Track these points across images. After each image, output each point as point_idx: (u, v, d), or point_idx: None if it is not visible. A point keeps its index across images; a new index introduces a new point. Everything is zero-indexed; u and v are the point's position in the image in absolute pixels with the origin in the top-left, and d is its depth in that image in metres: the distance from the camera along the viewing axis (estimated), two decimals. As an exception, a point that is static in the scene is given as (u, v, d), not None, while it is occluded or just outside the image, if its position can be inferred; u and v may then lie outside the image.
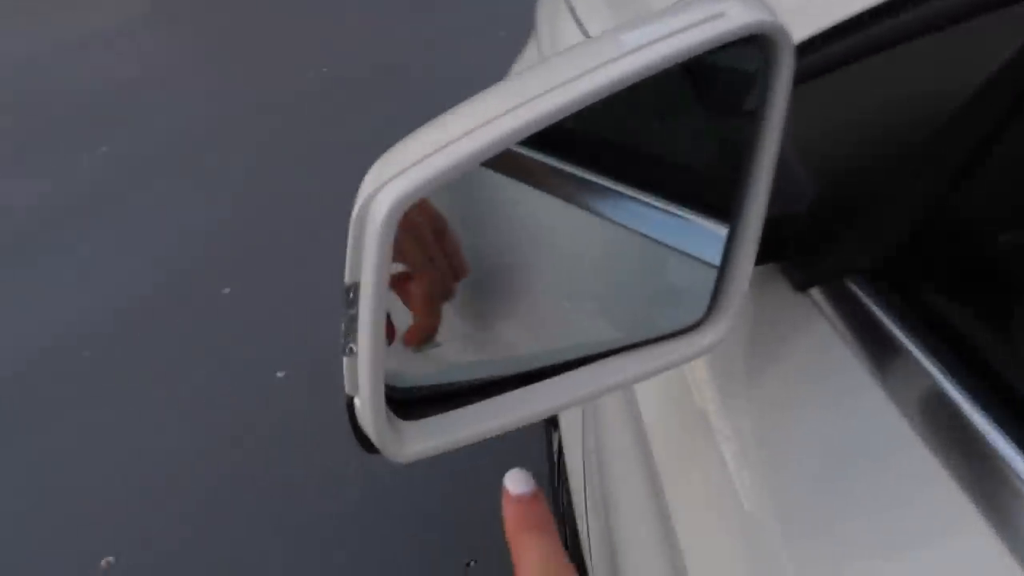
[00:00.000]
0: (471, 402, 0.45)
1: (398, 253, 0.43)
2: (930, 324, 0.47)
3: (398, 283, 0.44)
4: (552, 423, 1.53)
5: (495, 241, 0.53)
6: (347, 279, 0.38)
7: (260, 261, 2.81)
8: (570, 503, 1.25)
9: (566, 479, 1.29)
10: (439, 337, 0.47)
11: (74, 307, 2.71)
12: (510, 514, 0.42)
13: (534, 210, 0.55)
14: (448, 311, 0.47)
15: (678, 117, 0.52)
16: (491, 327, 0.52)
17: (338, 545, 1.86)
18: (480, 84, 0.44)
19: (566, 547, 1.37)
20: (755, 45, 0.42)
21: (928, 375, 0.44)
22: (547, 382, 0.48)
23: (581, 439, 1.06)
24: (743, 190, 0.47)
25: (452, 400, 0.45)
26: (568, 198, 0.54)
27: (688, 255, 0.52)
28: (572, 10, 1.29)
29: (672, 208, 0.51)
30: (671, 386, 0.66)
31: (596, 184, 0.53)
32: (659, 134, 0.53)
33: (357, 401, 0.40)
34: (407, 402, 0.43)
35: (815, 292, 0.54)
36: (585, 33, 1.20)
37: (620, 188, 0.52)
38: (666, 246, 0.52)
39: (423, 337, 0.46)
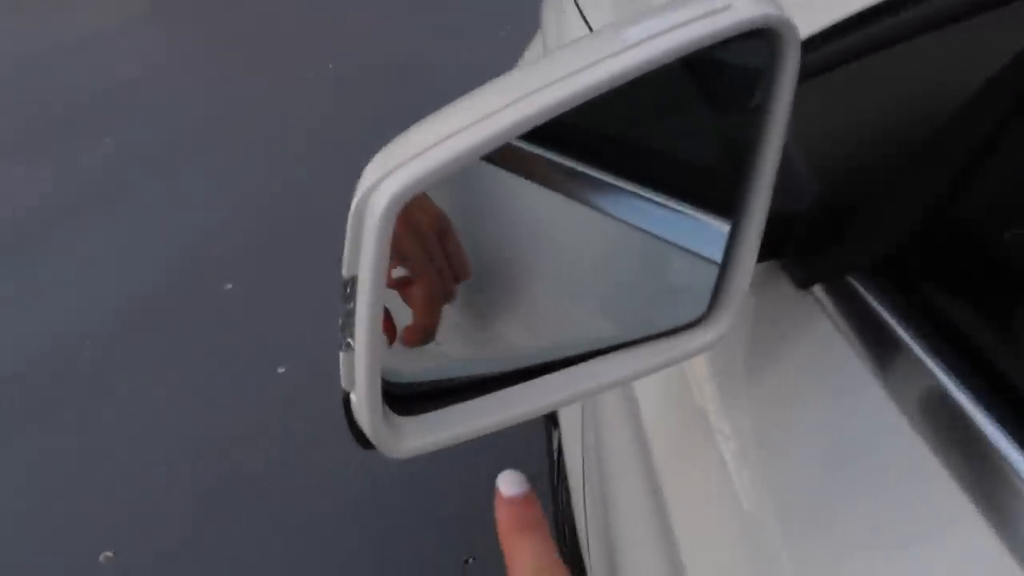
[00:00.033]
0: (469, 398, 0.44)
1: (400, 255, 0.43)
2: (932, 322, 0.47)
3: (400, 286, 0.43)
4: (552, 421, 1.53)
5: (495, 236, 0.53)
6: (345, 273, 0.37)
7: (262, 257, 2.81)
8: (569, 501, 1.25)
9: (565, 477, 1.29)
10: (438, 335, 0.47)
11: (75, 304, 2.71)
12: (503, 515, 0.42)
13: (535, 206, 0.54)
14: (447, 308, 0.47)
15: (681, 112, 0.52)
16: (490, 323, 0.52)
17: (337, 543, 1.86)
18: (482, 82, 0.44)
19: (565, 544, 1.38)
20: (760, 39, 0.42)
21: (929, 374, 0.44)
22: (546, 378, 0.47)
23: (580, 436, 1.06)
24: (746, 186, 0.47)
25: (449, 396, 0.44)
26: (569, 194, 0.54)
27: (689, 251, 0.51)
28: (578, 6, 1.28)
29: (674, 204, 0.51)
30: (671, 383, 0.66)
31: (598, 180, 0.53)
32: (662, 130, 0.53)
33: (353, 396, 0.40)
34: (404, 398, 0.43)
35: (817, 290, 0.54)
36: (591, 29, 1.20)
37: (622, 184, 0.52)
38: (667, 242, 0.52)
39: (422, 338, 0.46)
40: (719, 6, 0.40)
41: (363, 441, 0.41)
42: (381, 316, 0.38)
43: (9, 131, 3.83)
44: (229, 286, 2.70)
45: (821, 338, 0.52)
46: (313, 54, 4.20)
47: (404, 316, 0.45)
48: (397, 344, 0.44)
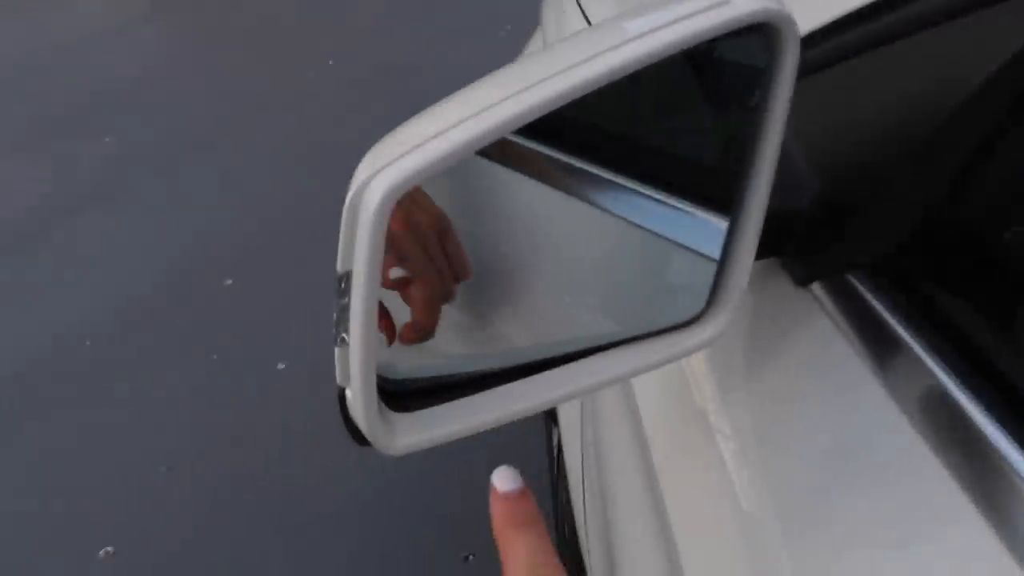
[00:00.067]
0: (466, 395, 0.44)
1: (400, 255, 0.43)
2: (932, 321, 0.47)
3: (399, 285, 0.43)
4: (552, 418, 1.53)
5: (494, 233, 0.52)
6: (339, 268, 0.37)
7: (262, 254, 2.82)
8: (569, 499, 1.25)
9: (565, 475, 1.28)
10: (436, 331, 0.46)
11: (75, 303, 2.71)
12: (498, 511, 0.42)
13: (534, 202, 0.54)
14: (446, 306, 0.47)
15: (680, 109, 0.52)
16: (487, 319, 0.52)
17: (338, 541, 1.86)
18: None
19: (565, 542, 1.37)
20: (760, 34, 0.42)
21: (929, 372, 0.44)
22: (543, 375, 0.47)
23: (580, 433, 1.06)
24: (744, 183, 0.47)
25: (446, 392, 0.44)
26: (568, 190, 0.53)
27: (688, 248, 0.51)
28: (578, 2, 1.28)
29: (673, 201, 0.51)
30: (669, 380, 0.65)
31: (596, 176, 0.52)
32: (661, 126, 0.53)
33: (348, 392, 0.40)
34: (399, 394, 0.43)
35: (816, 287, 0.54)
36: (590, 24, 1.19)
37: (620, 180, 0.52)
38: (666, 239, 0.52)
39: (421, 337, 0.46)
40: (719, 0, 0.40)
41: (359, 437, 0.41)
42: (376, 311, 0.37)
43: (10, 130, 3.83)
44: (229, 282, 2.70)
45: (820, 336, 0.51)
46: (313, 53, 4.20)
47: (403, 315, 0.45)
48: (395, 342, 0.44)
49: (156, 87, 4.03)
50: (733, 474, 0.53)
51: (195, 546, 1.89)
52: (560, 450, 1.37)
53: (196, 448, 2.14)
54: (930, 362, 0.44)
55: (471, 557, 1.75)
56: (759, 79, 0.44)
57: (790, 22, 0.41)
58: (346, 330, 0.38)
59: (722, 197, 0.48)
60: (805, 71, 0.45)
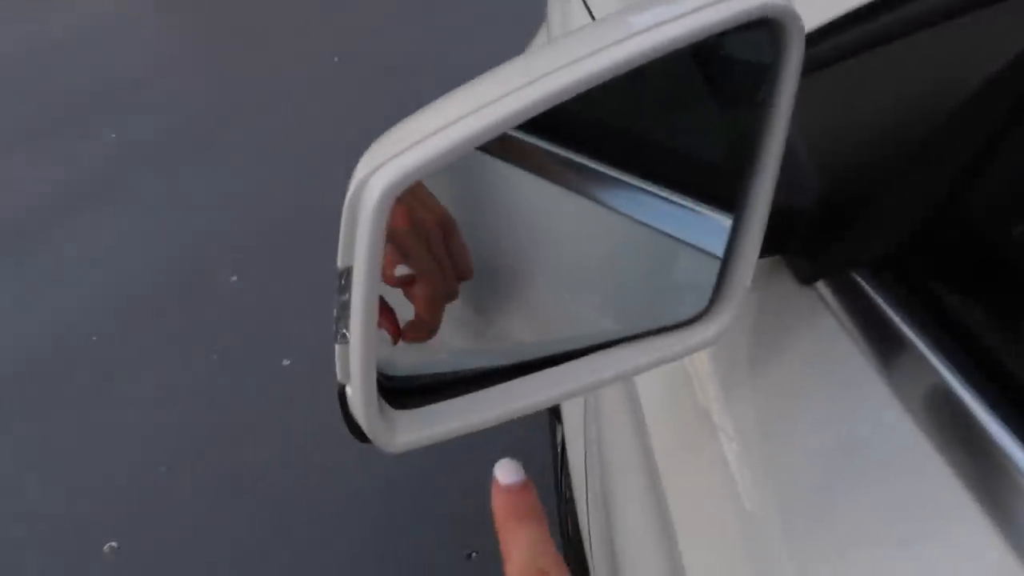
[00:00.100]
0: (466, 392, 0.44)
1: (404, 253, 0.43)
2: (936, 318, 0.46)
3: (403, 283, 0.43)
4: (556, 415, 1.53)
5: (496, 229, 0.52)
6: (340, 264, 0.37)
7: (267, 250, 2.81)
8: (572, 496, 1.25)
9: (569, 472, 1.28)
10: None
11: (80, 299, 2.71)
12: (499, 504, 0.42)
13: (536, 198, 0.54)
14: (448, 304, 0.47)
15: (684, 106, 0.51)
16: (491, 317, 0.52)
17: (338, 539, 1.86)
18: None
19: (568, 539, 1.37)
20: (764, 30, 0.41)
21: (933, 370, 0.43)
22: (545, 372, 0.47)
23: (583, 431, 1.06)
24: (749, 180, 0.47)
25: (447, 389, 0.44)
26: (571, 186, 0.53)
27: (691, 246, 0.51)
28: (583, -1, 1.28)
29: (676, 198, 0.51)
30: (672, 378, 0.65)
31: (600, 173, 0.52)
32: (665, 123, 0.53)
33: (349, 389, 0.40)
34: (400, 391, 0.42)
35: (820, 285, 0.53)
36: (595, 19, 1.19)
37: (624, 177, 0.52)
38: (669, 236, 0.51)
39: (424, 335, 0.46)
40: None
41: (359, 434, 0.41)
42: (376, 307, 0.37)
43: (13, 128, 3.83)
44: (234, 279, 2.70)
45: (824, 334, 0.51)
46: (318, 48, 4.19)
47: (407, 313, 0.45)
48: (399, 341, 0.44)
49: (159, 84, 4.03)
50: (736, 472, 0.53)
51: (195, 545, 1.89)
52: (564, 447, 1.37)
53: (200, 442, 2.14)
54: (934, 360, 0.44)
55: (473, 555, 1.75)
56: (764, 76, 0.44)
57: (794, 17, 0.41)
58: (346, 327, 0.37)
59: (726, 194, 0.48)
60: (810, 68, 0.45)
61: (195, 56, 4.35)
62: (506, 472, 0.42)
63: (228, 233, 2.94)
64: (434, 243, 0.45)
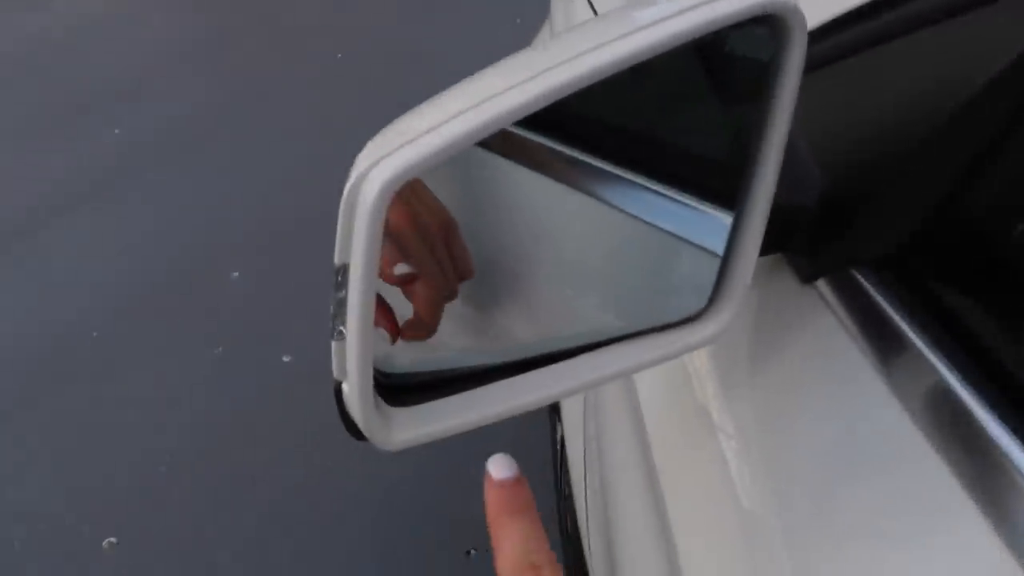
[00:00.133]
0: (464, 389, 0.44)
1: (404, 253, 0.43)
2: (936, 318, 0.46)
3: (402, 282, 0.43)
4: (556, 412, 1.53)
5: (496, 225, 0.52)
6: (336, 261, 0.37)
7: (269, 246, 2.81)
8: (571, 493, 1.25)
9: (568, 469, 1.28)
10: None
11: (82, 294, 2.70)
12: (492, 498, 0.41)
13: (537, 195, 0.54)
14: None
15: (686, 102, 0.51)
16: (490, 313, 0.52)
17: (338, 538, 1.86)
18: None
19: (566, 535, 1.37)
20: (767, 26, 0.41)
21: (932, 370, 0.43)
22: (544, 370, 0.47)
23: (583, 428, 1.06)
24: (750, 177, 0.46)
25: (444, 387, 0.44)
26: (571, 183, 0.53)
27: (692, 243, 0.51)
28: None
29: (677, 195, 0.51)
30: (672, 376, 0.65)
31: (601, 169, 0.52)
32: (667, 119, 0.52)
33: (345, 386, 0.39)
34: (397, 388, 0.42)
35: (821, 283, 0.53)
36: (597, 14, 1.19)
37: (625, 174, 0.52)
38: (670, 234, 0.51)
39: (423, 335, 0.46)
40: None
41: (355, 432, 0.41)
42: (373, 304, 0.37)
43: (18, 122, 3.82)
44: (236, 274, 2.70)
45: (824, 332, 0.51)
46: (322, 44, 4.19)
47: (405, 312, 0.44)
48: (397, 340, 0.44)
49: (163, 80, 4.02)
50: (734, 470, 0.53)
51: (195, 544, 1.89)
52: (563, 444, 1.37)
53: (200, 438, 2.14)
54: (933, 359, 0.44)
55: (472, 552, 1.75)
56: (766, 72, 0.44)
57: (797, 13, 0.41)
58: (343, 323, 0.37)
59: (727, 192, 0.48)
60: (811, 66, 0.44)
61: (198, 51, 4.35)
62: (499, 467, 0.42)
63: (229, 229, 2.94)
64: (435, 243, 0.45)
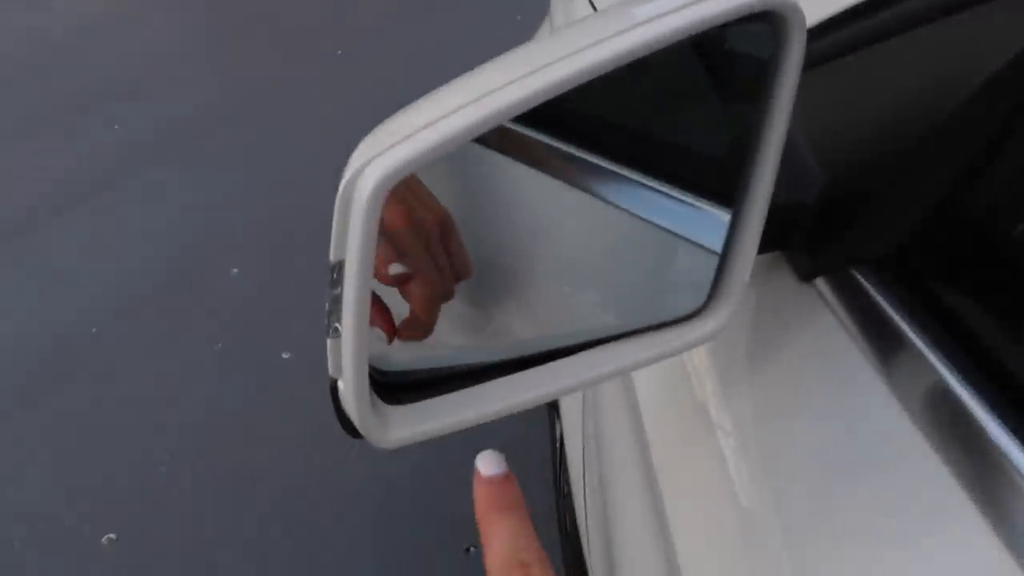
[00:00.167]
0: (461, 387, 0.44)
1: (400, 252, 0.42)
2: (935, 317, 0.46)
3: (399, 282, 0.43)
4: (555, 410, 1.53)
5: (494, 222, 0.52)
6: (332, 258, 0.37)
7: (269, 243, 2.81)
8: (571, 491, 1.24)
9: (567, 468, 1.28)
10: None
11: (82, 291, 2.71)
12: (481, 495, 0.41)
13: (534, 192, 0.54)
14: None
15: (684, 99, 0.51)
16: (488, 311, 0.52)
17: (337, 536, 1.86)
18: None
19: (565, 533, 1.37)
20: (766, 23, 0.41)
21: (931, 369, 0.43)
22: (542, 368, 0.46)
23: (581, 425, 1.05)
24: (749, 175, 0.46)
25: (441, 385, 0.43)
26: (570, 180, 0.53)
27: (690, 241, 0.51)
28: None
29: (676, 193, 0.50)
30: (670, 374, 0.65)
31: (599, 167, 0.52)
32: (665, 116, 0.52)
33: (341, 384, 0.39)
34: (394, 386, 0.42)
35: (820, 282, 0.53)
36: (597, 11, 1.19)
37: (624, 171, 0.51)
38: (668, 231, 0.51)
39: (419, 335, 0.45)
40: None
41: (351, 430, 0.41)
42: (368, 301, 0.37)
43: (19, 117, 3.82)
44: (235, 271, 2.70)
45: (823, 331, 0.51)
46: (322, 42, 4.19)
47: (402, 311, 0.44)
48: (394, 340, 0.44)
49: (163, 79, 4.02)
50: (733, 469, 0.53)
51: (195, 544, 1.89)
52: (562, 443, 1.37)
53: (199, 435, 2.14)
54: (933, 359, 0.43)
55: (472, 549, 1.75)
56: (765, 69, 0.43)
57: (796, 10, 0.40)
58: (338, 320, 0.37)
59: (726, 189, 0.48)
60: (810, 64, 0.44)
61: (199, 49, 4.35)
62: (488, 464, 0.42)
63: (229, 227, 2.94)
64: (432, 242, 0.44)
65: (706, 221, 0.49)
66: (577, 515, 1.15)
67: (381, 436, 0.41)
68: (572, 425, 1.20)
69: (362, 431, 0.40)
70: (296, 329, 2.35)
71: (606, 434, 0.85)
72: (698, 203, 0.50)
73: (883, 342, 0.47)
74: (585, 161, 0.52)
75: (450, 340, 0.48)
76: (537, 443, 1.75)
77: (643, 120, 0.52)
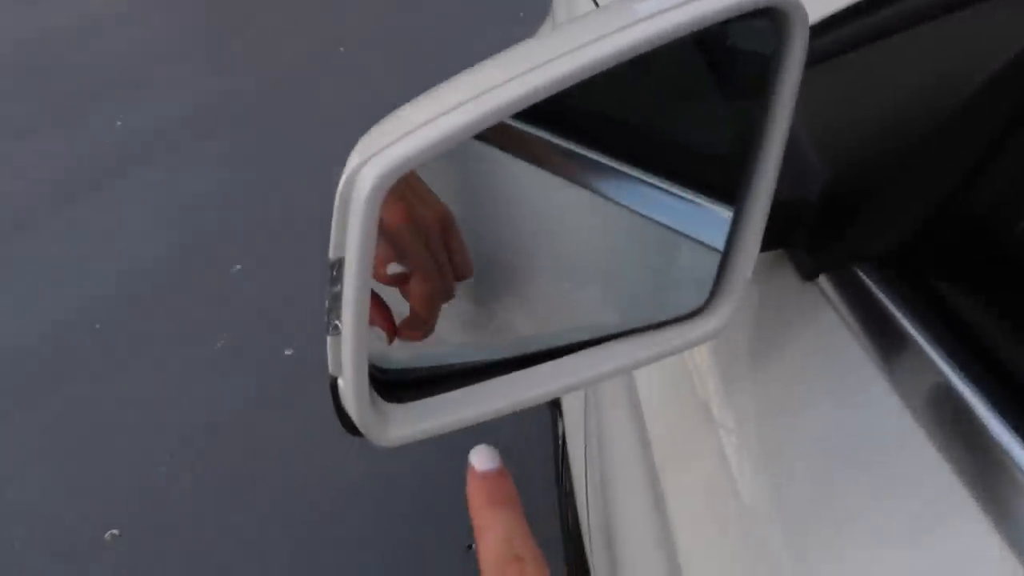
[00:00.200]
0: (462, 385, 0.43)
1: (400, 251, 0.42)
2: (938, 315, 0.46)
3: (399, 281, 0.43)
4: (557, 408, 1.53)
5: (495, 220, 0.52)
6: (331, 255, 0.36)
7: (271, 239, 2.81)
8: (573, 489, 1.24)
9: (569, 465, 1.28)
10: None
11: (84, 286, 2.71)
12: (474, 490, 0.41)
13: (535, 189, 0.54)
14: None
15: (687, 96, 0.51)
16: (489, 309, 0.51)
17: (337, 535, 1.86)
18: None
19: (567, 531, 1.37)
20: (768, 19, 0.41)
21: (934, 367, 0.43)
22: (543, 366, 0.46)
23: (583, 423, 1.05)
24: (751, 172, 0.46)
25: (441, 383, 0.43)
26: (571, 177, 0.53)
27: (692, 239, 0.50)
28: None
29: (678, 190, 0.50)
30: (672, 372, 0.65)
31: (600, 164, 0.52)
32: (667, 113, 0.52)
33: (340, 381, 0.39)
34: (394, 384, 0.42)
35: (823, 280, 0.53)
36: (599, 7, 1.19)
37: (625, 168, 0.51)
38: (670, 229, 0.51)
39: (420, 335, 0.45)
40: None
41: (351, 428, 0.41)
42: (368, 299, 0.37)
43: (21, 113, 3.83)
44: (238, 267, 2.70)
45: (826, 329, 0.51)
46: (324, 38, 4.19)
47: (402, 310, 0.44)
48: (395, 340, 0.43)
49: (163, 77, 4.02)
50: (735, 466, 0.53)
51: (196, 544, 1.89)
52: (565, 440, 1.37)
53: (201, 430, 2.14)
54: (935, 357, 0.43)
55: (473, 547, 1.75)
56: (768, 66, 0.43)
57: (798, 6, 0.40)
58: (338, 318, 0.37)
59: (728, 186, 0.47)
60: (812, 61, 0.44)
61: (201, 45, 4.35)
62: (482, 458, 0.42)
63: (231, 223, 2.94)
64: (432, 240, 0.44)
65: (708, 218, 0.49)
66: (579, 513, 1.15)
67: (381, 434, 0.40)
68: (574, 423, 1.20)
69: (362, 429, 0.40)
70: (299, 325, 2.35)
71: (608, 432, 0.85)
72: (700, 200, 0.50)
73: (885, 340, 0.47)
74: (586, 158, 0.52)
75: (450, 337, 0.48)
76: (539, 441, 1.75)
77: (645, 117, 0.52)
